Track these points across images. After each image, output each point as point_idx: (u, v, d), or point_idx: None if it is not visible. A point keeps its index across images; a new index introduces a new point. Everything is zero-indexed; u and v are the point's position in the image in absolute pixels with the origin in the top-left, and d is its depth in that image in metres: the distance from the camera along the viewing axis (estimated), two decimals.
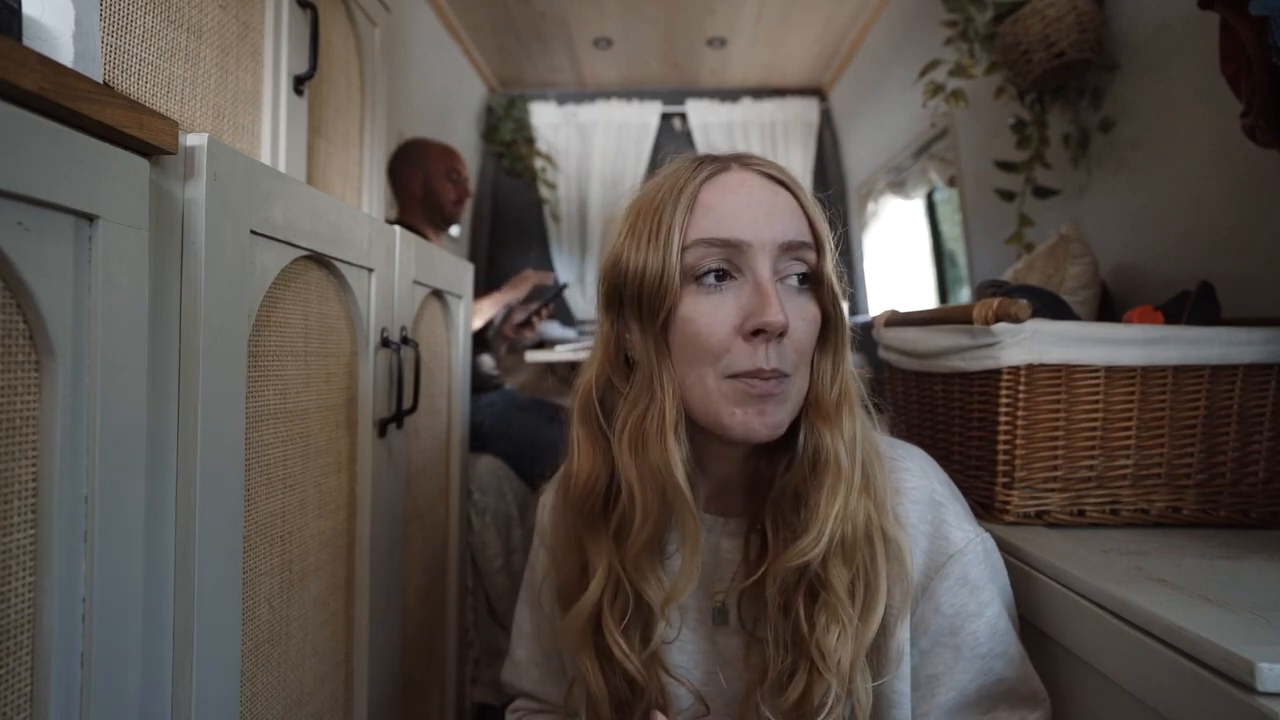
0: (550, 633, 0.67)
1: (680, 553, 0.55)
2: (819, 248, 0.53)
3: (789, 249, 0.52)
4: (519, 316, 1.96)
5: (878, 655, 0.54)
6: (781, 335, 0.50)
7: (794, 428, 0.54)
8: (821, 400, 0.53)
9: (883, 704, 0.53)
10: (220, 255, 0.55)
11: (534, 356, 2.05)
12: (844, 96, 2.98)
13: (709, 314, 0.51)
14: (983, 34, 1.48)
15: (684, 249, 0.51)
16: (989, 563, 0.55)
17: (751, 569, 0.55)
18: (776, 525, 0.54)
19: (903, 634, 0.53)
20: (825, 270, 0.53)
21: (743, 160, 0.55)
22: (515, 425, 1.69)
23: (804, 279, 0.53)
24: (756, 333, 0.49)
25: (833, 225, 0.56)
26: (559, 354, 2.05)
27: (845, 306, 0.55)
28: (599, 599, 0.55)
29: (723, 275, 0.51)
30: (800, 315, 0.52)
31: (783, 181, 0.54)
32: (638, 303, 0.53)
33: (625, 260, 0.53)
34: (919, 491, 0.56)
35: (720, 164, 0.55)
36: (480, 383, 1.84)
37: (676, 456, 0.51)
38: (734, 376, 0.50)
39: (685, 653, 0.60)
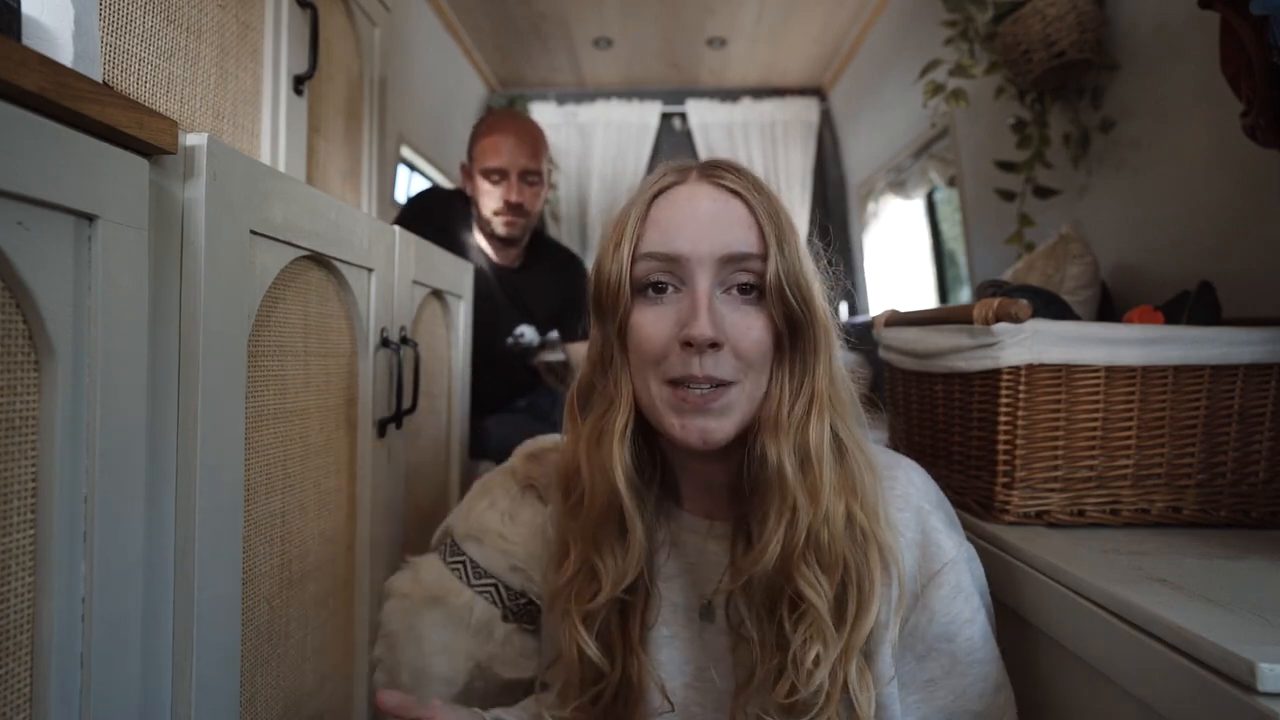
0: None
1: (661, 550, 0.60)
2: (768, 257, 0.53)
3: (731, 260, 0.53)
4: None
5: (867, 662, 0.54)
6: (714, 346, 0.51)
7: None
8: (774, 412, 0.53)
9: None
10: (220, 255, 0.55)
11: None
12: (844, 96, 2.98)
13: (651, 323, 0.54)
14: (983, 34, 1.48)
15: (634, 261, 0.54)
16: (974, 571, 0.56)
17: (737, 572, 0.55)
18: (758, 530, 0.54)
19: (890, 639, 0.53)
20: (772, 279, 0.52)
21: (706, 170, 0.56)
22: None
23: (750, 289, 0.53)
24: (688, 343, 0.51)
25: (822, 230, 0.56)
26: (559, 354, 2.05)
27: (821, 313, 0.54)
28: (572, 578, 0.59)
29: (663, 287, 0.54)
30: (745, 325, 0.53)
31: (736, 190, 0.54)
32: (600, 308, 0.57)
33: (598, 266, 0.57)
34: (906, 499, 0.56)
35: (681, 175, 0.56)
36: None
37: (618, 460, 0.55)
38: (671, 382, 0.53)
39: (676, 649, 0.60)
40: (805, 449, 0.52)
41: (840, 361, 0.56)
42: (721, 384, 0.52)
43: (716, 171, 0.55)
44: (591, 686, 0.58)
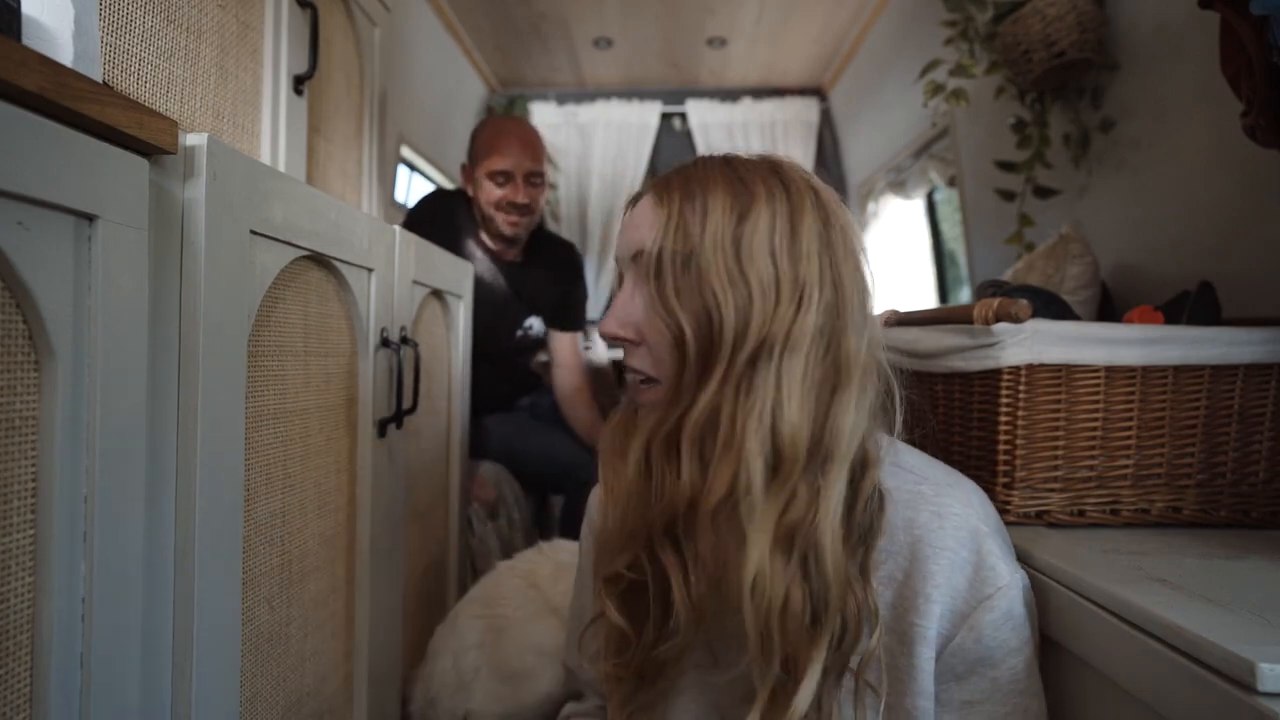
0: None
1: None
2: (655, 253, 0.52)
3: (635, 259, 0.55)
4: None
5: (894, 669, 0.53)
6: (623, 341, 0.55)
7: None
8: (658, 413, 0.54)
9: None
10: (220, 255, 0.55)
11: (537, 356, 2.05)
12: (844, 96, 2.98)
13: None
14: (983, 34, 1.48)
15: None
16: (1029, 604, 0.55)
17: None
18: None
19: (925, 652, 0.52)
20: (647, 256, 0.52)
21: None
22: (530, 440, 1.66)
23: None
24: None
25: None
26: None
27: (729, 313, 0.48)
28: (604, 543, 0.60)
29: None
30: (650, 324, 0.53)
31: (655, 189, 0.55)
32: None
33: None
34: (962, 519, 0.54)
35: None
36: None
37: (604, 435, 0.59)
38: None
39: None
40: (666, 440, 0.52)
41: (799, 382, 0.49)
42: (649, 379, 0.54)
43: (658, 178, 0.57)
44: (626, 649, 0.58)
